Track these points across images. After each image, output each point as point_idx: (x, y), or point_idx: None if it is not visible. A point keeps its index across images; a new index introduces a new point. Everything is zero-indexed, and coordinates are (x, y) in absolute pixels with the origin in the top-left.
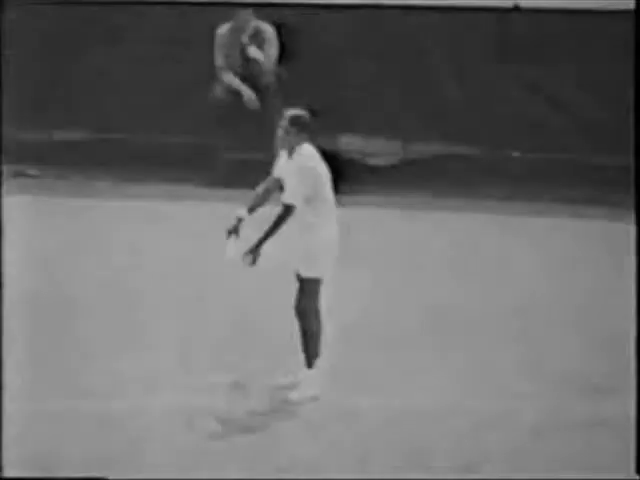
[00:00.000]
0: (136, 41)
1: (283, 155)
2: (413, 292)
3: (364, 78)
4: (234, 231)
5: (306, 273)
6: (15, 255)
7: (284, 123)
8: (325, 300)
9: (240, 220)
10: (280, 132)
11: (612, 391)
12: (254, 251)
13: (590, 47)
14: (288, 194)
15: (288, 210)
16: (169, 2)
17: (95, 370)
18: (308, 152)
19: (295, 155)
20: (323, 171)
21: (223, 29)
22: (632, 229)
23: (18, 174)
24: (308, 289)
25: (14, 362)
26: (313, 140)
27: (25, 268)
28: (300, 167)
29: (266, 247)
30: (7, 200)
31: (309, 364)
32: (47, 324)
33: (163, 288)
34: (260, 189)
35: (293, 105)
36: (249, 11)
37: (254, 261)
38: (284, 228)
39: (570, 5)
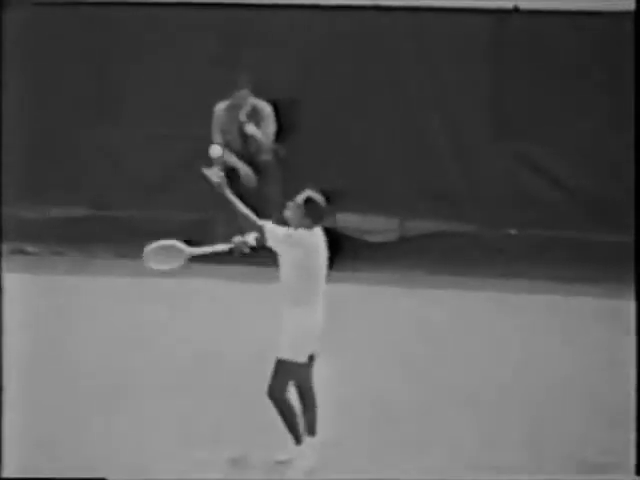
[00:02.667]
0: (135, 117)
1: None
2: (410, 368)
3: (362, 156)
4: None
5: (278, 353)
6: (15, 333)
7: (298, 208)
8: (322, 375)
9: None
10: (291, 212)
11: (611, 468)
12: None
13: (590, 78)
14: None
15: (261, 230)
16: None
17: (92, 443)
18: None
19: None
20: (321, 247)
21: (221, 107)
22: (632, 306)
23: (16, 251)
24: (277, 370)
25: (11, 435)
26: None
27: (25, 346)
28: (300, 233)
29: (261, 327)
30: (6, 278)
31: (296, 441)
32: (46, 400)
33: (163, 364)
34: (248, 214)
35: (290, 182)
36: (247, 90)
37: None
38: (276, 307)
39: (570, 6)
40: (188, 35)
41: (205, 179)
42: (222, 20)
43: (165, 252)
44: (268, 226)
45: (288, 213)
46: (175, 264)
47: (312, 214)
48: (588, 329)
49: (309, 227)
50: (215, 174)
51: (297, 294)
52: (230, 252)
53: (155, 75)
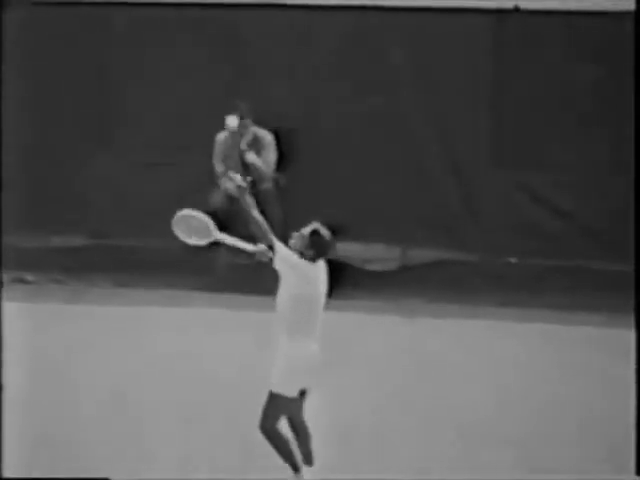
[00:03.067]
0: (134, 146)
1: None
2: (408, 396)
3: (363, 185)
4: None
5: (270, 386)
6: (15, 362)
7: (304, 239)
8: (320, 402)
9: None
10: (296, 242)
11: None
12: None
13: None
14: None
15: (272, 245)
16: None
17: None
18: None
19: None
20: (322, 280)
21: (222, 136)
22: (632, 334)
23: (16, 280)
24: (268, 403)
25: (12, 467)
26: None
27: (25, 374)
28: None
29: (260, 356)
30: (6, 307)
31: (294, 470)
32: (46, 429)
33: (163, 394)
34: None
35: (291, 211)
36: (248, 118)
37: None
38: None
39: (570, 6)
40: (189, 54)
41: (230, 182)
42: (224, 48)
43: (195, 225)
44: (279, 245)
45: (292, 242)
46: (199, 241)
47: (317, 247)
48: (588, 358)
49: (312, 259)
50: (241, 179)
51: (292, 325)
52: (252, 256)
53: (156, 99)
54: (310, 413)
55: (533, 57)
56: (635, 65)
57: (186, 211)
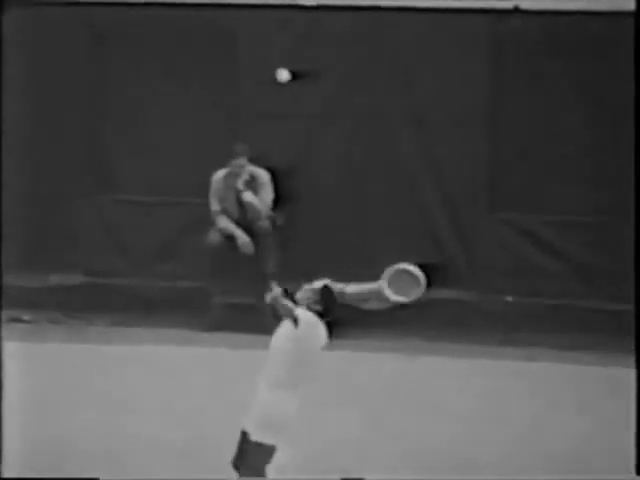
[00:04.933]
0: (132, 187)
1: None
2: (407, 435)
3: (360, 225)
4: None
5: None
6: (13, 399)
7: (314, 293)
8: (321, 440)
9: None
10: (304, 294)
11: None
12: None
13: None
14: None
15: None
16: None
17: None
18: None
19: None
20: (322, 339)
21: (218, 175)
22: (632, 373)
23: (13, 319)
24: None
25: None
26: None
27: (22, 414)
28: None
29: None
30: (4, 346)
31: None
32: (44, 470)
33: (161, 434)
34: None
35: (287, 250)
36: (244, 158)
37: None
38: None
39: (570, 6)
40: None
41: (225, 221)
42: (222, 92)
43: (406, 278)
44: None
45: (300, 295)
46: (412, 295)
47: (325, 302)
48: (588, 397)
49: (318, 314)
50: (254, 197)
51: (277, 377)
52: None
53: (151, 140)
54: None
55: (533, 57)
56: (635, 65)
57: (391, 269)
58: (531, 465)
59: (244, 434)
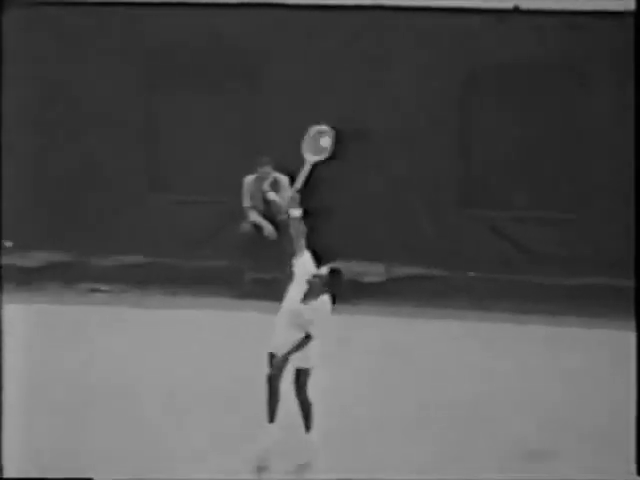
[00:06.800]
0: (182, 188)
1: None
2: (398, 382)
3: (358, 216)
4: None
5: (299, 364)
6: (96, 350)
7: (322, 278)
8: (326, 384)
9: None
10: (312, 284)
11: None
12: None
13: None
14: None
15: (308, 338)
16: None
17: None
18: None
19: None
20: (327, 314)
21: (249, 179)
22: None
23: (94, 290)
24: (303, 377)
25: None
26: (321, 266)
27: (100, 359)
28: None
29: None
30: (85, 310)
31: (270, 419)
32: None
33: (209, 379)
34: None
35: (307, 239)
36: (269, 166)
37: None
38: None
39: (570, 6)
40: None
41: (254, 214)
42: (247, 110)
43: (319, 138)
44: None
45: (311, 279)
46: (328, 148)
47: (333, 285)
48: (524, 350)
49: (325, 294)
50: (277, 196)
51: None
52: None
53: (197, 149)
54: (313, 391)
55: (533, 58)
56: (635, 65)
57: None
58: (505, 413)
59: (272, 355)
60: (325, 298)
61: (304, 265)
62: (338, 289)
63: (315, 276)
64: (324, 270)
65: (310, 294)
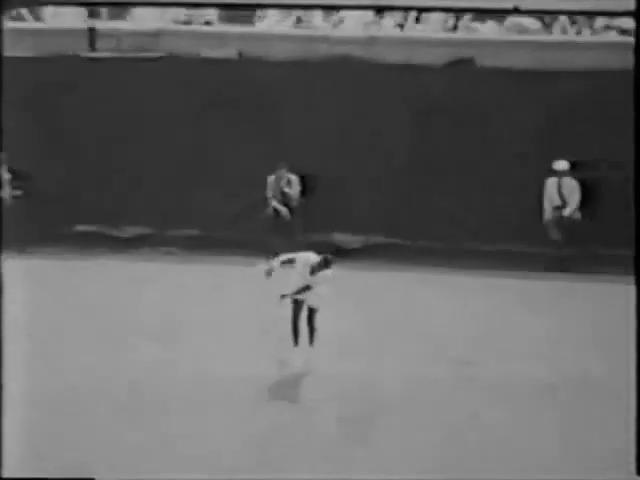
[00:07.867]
0: (226, 185)
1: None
2: (376, 310)
3: (347, 204)
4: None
5: (311, 303)
6: (149, 292)
7: (319, 264)
8: (326, 318)
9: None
10: (314, 264)
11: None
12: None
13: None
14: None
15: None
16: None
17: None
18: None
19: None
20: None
21: (271, 178)
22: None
23: (169, 252)
24: (312, 312)
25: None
26: (320, 237)
27: (141, 296)
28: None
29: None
30: (128, 266)
31: (294, 342)
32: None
33: (243, 312)
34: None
35: (308, 219)
36: (284, 169)
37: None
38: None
39: (570, 6)
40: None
41: (275, 203)
42: (272, 128)
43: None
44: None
45: (313, 264)
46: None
47: (326, 265)
48: (488, 303)
49: (324, 270)
50: (290, 190)
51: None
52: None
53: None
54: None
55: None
56: (635, 65)
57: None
58: (483, 346)
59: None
60: (327, 272)
61: (307, 256)
62: (329, 267)
63: (318, 262)
64: (320, 258)
65: (315, 271)
